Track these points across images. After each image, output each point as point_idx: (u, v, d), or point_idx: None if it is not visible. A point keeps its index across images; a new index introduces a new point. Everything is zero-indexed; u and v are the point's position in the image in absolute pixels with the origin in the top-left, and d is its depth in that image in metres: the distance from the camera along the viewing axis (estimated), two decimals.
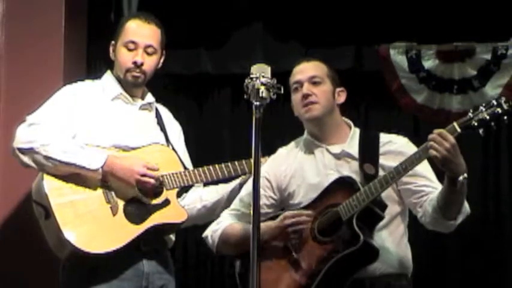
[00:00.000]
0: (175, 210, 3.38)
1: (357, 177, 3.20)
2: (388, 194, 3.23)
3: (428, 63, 4.98)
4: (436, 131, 2.98)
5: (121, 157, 3.34)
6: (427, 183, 3.22)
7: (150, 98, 3.59)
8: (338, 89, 3.39)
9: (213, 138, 5.14)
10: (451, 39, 4.91)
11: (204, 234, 3.44)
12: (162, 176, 3.37)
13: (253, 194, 2.69)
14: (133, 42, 3.45)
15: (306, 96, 3.30)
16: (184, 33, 4.96)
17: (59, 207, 3.24)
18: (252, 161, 3.47)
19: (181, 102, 5.17)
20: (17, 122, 3.40)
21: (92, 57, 4.67)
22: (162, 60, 3.55)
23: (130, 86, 3.51)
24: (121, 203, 3.31)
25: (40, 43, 4.22)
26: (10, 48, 4.23)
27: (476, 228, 4.87)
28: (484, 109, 2.98)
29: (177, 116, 3.75)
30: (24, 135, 3.30)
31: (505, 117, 2.96)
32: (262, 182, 3.33)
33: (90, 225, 3.26)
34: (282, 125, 4.60)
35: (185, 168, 3.49)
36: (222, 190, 3.56)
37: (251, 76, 2.75)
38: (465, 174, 3.00)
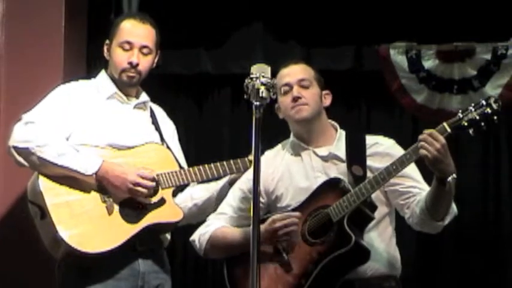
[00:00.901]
0: (171, 209, 3.39)
1: (345, 179, 3.20)
2: (375, 195, 3.23)
3: (428, 63, 4.98)
4: (427, 131, 2.99)
5: (116, 164, 3.33)
6: (414, 184, 3.22)
7: (144, 97, 3.59)
8: (324, 92, 3.41)
9: (213, 138, 5.14)
10: (451, 39, 4.91)
11: (191, 238, 3.43)
12: (158, 175, 3.37)
13: (253, 194, 2.69)
14: (128, 42, 3.45)
15: (296, 99, 3.31)
16: (184, 33, 4.97)
17: (55, 207, 3.24)
18: (247, 159, 3.51)
19: (181, 102, 5.17)
20: (14, 123, 3.40)
21: (92, 57, 4.66)
22: (156, 60, 3.56)
23: (125, 86, 3.51)
24: (116, 203, 3.31)
25: (40, 43, 4.22)
26: (10, 48, 4.23)
27: (476, 228, 4.88)
28: (473, 109, 2.98)
29: (177, 116, 3.75)
30: (21, 135, 3.30)
31: (495, 117, 2.96)
32: (248, 185, 3.31)
33: (86, 225, 3.26)
34: (282, 125, 4.60)
35: (180, 167, 3.49)
36: (212, 188, 3.57)
37: (251, 76, 2.75)
38: (454, 175, 3.01)
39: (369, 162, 3.25)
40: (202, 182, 3.53)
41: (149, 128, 3.56)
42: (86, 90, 3.50)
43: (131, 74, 3.46)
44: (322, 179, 3.26)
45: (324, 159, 3.32)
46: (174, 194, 3.46)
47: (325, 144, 3.35)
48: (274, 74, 2.78)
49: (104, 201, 3.30)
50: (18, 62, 4.22)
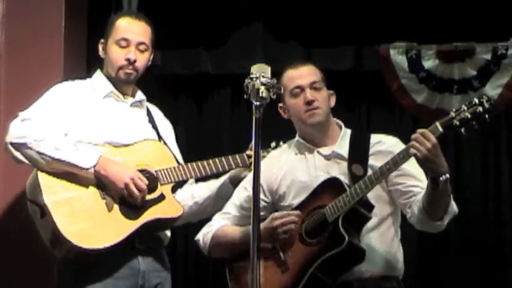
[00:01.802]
0: (170, 205, 3.39)
1: (345, 178, 3.21)
2: (379, 195, 3.24)
3: (428, 63, 4.98)
4: (419, 130, 2.98)
5: (113, 160, 3.33)
6: (415, 183, 3.22)
7: (140, 95, 3.60)
8: (330, 92, 3.41)
9: (213, 138, 5.14)
10: (451, 39, 4.91)
11: (196, 238, 3.46)
12: (156, 171, 3.38)
13: (253, 194, 2.69)
14: (125, 39, 3.46)
15: (310, 102, 3.30)
16: (184, 33, 4.96)
17: (54, 204, 3.25)
18: (246, 154, 3.51)
19: (181, 102, 5.17)
20: (10, 120, 3.41)
21: (92, 57, 4.66)
22: (151, 58, 3.56)
23: (121, 84, 3.52)
24: (116, 199, 3.31)
25: (40, 43, 4.22)
26: (10, 48, 4.23)
27: (476, 228, 4.88)
28: (466, 108, 2.98)
29: (177, 116, 3.76)
30: (18, 130, 3.31)
31: (487, 116, 2.96)
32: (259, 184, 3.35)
33: (86, 221, 3.26)
34: (282, 125, 4.60)
35: (178, 163, 3.50)
36: (212, 186, 3.58)
37: (251, 76, 2.75)
38: (447, 175, 3.00)
39: (371, 161, 3.25)
40: (201, 178, 3.53)
41: (146, 126, 3.56)
42: (82, 90, 3.51)
43: (129, 71, 3.47)
44: (323, 177, 3.26)
45: (327, 158, 3.33)
46: (174, 190, 3.46)
47: (329, 144, 3.36)
48: (274, 74, 2.78)
49: (104, 198, 3.31)
50: (18, 62, 4.22)
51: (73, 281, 3.31)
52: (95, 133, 3.39)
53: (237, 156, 3.50)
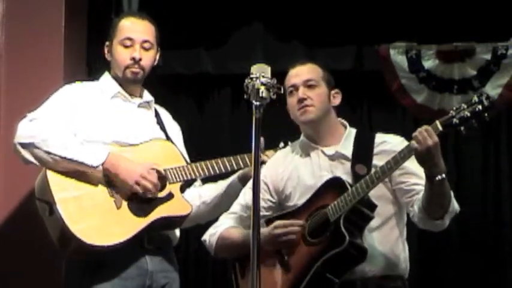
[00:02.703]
0: (179, 203, 3.38)
1: (349, 178, 3.20)
2: (382, 194, 3.23)
3: (428, 63, 4.98)
4: (424, 127, 2.98)
5: (122, 157, 3.34)
6: (418, 181, 3.19)
7: (148, 96, 3.60)
8: (333, 91, 3.40)
9: (213, 138, 5.14)
10: (451, 39, 4.91)
11: (202, 238, 3.45)
12: (165, 170, 3.38)
13: (253, 194, 2.69)
14: (129, 38, 3.46)
15: (301, 100, 3.31)
16: (184, 33, 4.97)
17: (63, 202, 3.24)
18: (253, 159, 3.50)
19: (181, 102, 5.17)
20: (18, 121, 3.41)
21: (92, 57, 4.67)
22: (158, 57, 3.56)
23: (129, 84, 3.51)
24: (125, 197, 3.31)
25: (40, 43, 4.22)
26: (10, 48, 4.23)
27: (476, 228, 4.88)
28: (465, 106, 2.98)
29: (177, 116, 3.75)
30: (25, 130, 3.31)
31: (486, 114, 2.96)
32: (260, 185, 3.35)
33: (95, 219, 3.25)
34: (282, 125, 4.61)
35: (187, 162, 3.50)
36: (220, 186, 3.57)
37: (251, 76, 2.75)
38: (443, 175, 2.99)
39: (375, 161, 3.24)
40: (210, 177, 3.53)
41: (154, 127, 3.56)
42: (90, 91, 3.50)
43: (135, 70, 3.47)
44: (327, 177, 3.26)
45: (331, 158, 3.32)
46: (182, 190, 3.46)
47: (333, 143, 3.35)
48: (274, 74, 2.78)
49: (112, 196, 3.30)
50: (18, 62, 4.22)
51: (81, 279, 3.30)
52: (103, 133, 3.38)
53: (245, 156, 3.50)
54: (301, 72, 3.37)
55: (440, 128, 2.97)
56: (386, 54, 4.99)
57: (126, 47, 3.46)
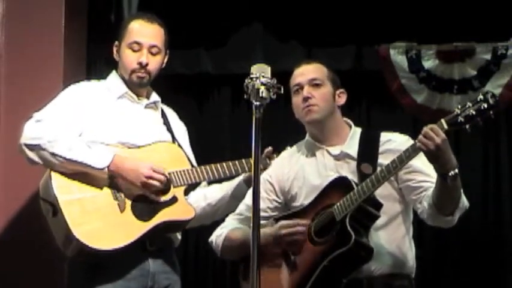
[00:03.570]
0: (182, 207, 3.39)
1: (355, 178, 3.20)
2: (389, 193, 3.23)
3: (428, 63, 4.98)
4: (429, 126, 2.98)
5: (128, 158, 3.34)
6: (425, 178, 3.20)
7: (155, 97, 3.60)
8: (338, 91, 3.39)
9: (213, 138, 5.14)
10: (451, 39, 4.91)
11: (209, 240, 3.45)
12: (170, 174, 3.38)
13: (253, 194, 2.69)
14: (137, 43, 3.46)
15: (306, 99, 3.31)
16: (184, 33, 4.97)
17: (67, 204, 3.25)
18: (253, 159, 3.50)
19: (182, 102, 5.16)
20: (18, 121, 3.41)
21: (92, 58, 4.67)
22: (166, 60, 3.56)
23: (135, 86, 3.52)
24: (128, 200, 3.31)
25: (40, 43, 4.22)
26: (10, 48, 4.23)
27: (476, 228, 4.88)
28: (471, 105, 2.98)
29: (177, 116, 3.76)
30: (32, 132, 3.31)
31: (491, 112, 2.96)
32: (265, 185, 3.38)
33: (98, 222, 3.26)
34: (284, 125, 4.61)
35: (192, 166, 3.50)
36: (226, 187, 3.57)
37: (251, 76, 2.75)
38: (456, 170, 2.99)
39: (381, 159, 3.24)
40: (214, 180, 3.53)
41: (161, 128, 3.56)
42: (96, 90, 3.50)
43: (141, 75, 3.47)
44: (333, 177, 3.26)
45: (336, 158, 3.32)
46: (186, 193, 3.46)
47: (338, 143, 3.35)
48: (274, 74, 2.78)
49: (116, 198, 3.30)
50: (18, 62, 4.21)
51: (84, 281, 3.31)
52: (108, 134, 3.39)
53: (250, 160, 3.47)
54: (307, 71, 3.37)
55: (445, 126, 2.97)
56: (386, 54, 4.99)
57: (134, 51, 3.46)
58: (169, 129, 3.57)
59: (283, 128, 4.55)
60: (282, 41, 5.06)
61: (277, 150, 3.55)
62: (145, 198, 3.33)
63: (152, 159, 3.39)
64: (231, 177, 3.55)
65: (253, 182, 2.70)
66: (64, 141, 3.28)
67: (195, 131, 4.98)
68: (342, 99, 3.40)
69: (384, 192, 3.19)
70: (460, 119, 2.97)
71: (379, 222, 3.18)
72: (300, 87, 3.34)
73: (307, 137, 3.42)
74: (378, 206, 3.16)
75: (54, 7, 4.24)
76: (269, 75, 2.76)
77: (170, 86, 5.04)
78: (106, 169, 3.28)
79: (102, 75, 3.63)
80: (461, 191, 3.11)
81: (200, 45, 5.12)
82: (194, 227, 3.61)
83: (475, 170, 4.97)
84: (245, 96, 2.76)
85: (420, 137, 2.98)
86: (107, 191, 3.31)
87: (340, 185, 3.19)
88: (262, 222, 3.28)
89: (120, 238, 3.24)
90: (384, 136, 3.35)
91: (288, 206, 3.39)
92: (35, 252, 3.86)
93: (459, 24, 4.86)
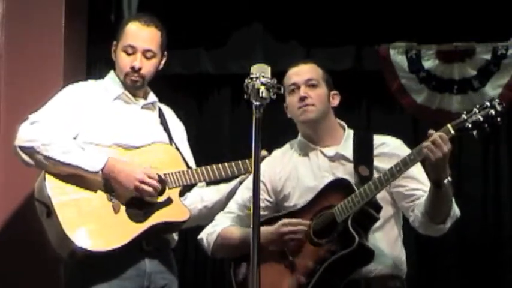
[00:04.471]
0: (177, 209, 3.38)
1: (351, 179, 3.21)
2: (382, 196, 3.23)
3: (428, 63, 4.98)
4: (437, 133, 2.97)
5: (122, 161, 3.33)
6: (418, 186, 3.21)
7: (152, 97, 3.60)
8: (332, 92, 3.40)
9: (213, 138, 5.14)
10: (451, 39, 4.91)
11: (199, 237, 3.44)
12: (165, 175, 3.37)
13: (253, 194, 2.69)
14: (131, 46, 3.46)
15: (302, 98, 3.31)
16: (184, 33, 4.96)
17: (61, 205, 3.25)
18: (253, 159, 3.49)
19: (181, 102, 5.17)
20: (18, 121, 3.41)
21: (92, 58, 4.67)
22: (163, 62, 3.56)
23: (130, 88, 3.52)
24: (123, 202, 3.31)
25: (40, 43, 4.22)
26: (10, 48, 4.23)
27: (475, 230, 4.87)
28: (478, 111, 2.98)
29: (177, 116, 3.75)
30: (26, 134, 3.31)
31: (499, 119, 2.96)
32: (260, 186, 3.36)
33: (92, 223, 3.26)
34: (283, 124, 4.61)
35: (188, 167, 3.49)
36: (223, 190, 3.56)
37: (251, 76, 2.75)
38: (449, 178, 3.01)
39: (376, 162, 3.25)
40: (210, 182, 3.53)
41: (157, 128, 3.56)
42: (93, 91, 3.50)
43: (134, 78, 3.47)
44: (328, 179, 3.26)
45: (331, 159, 3.33)
46: (182, 194, 3.45)
47: (332, 144, 3.35)
48: (274, 74, 2.78)
49: (110, 200, 3.30)
50: (18, 62, 4.22)
51: (80, 280, 3.31)
52: (104, 135, 3.39)
53: (246, 161, 3.48)
54: (303, 71, 3.37)
55: (452, 131, 2.98)
56: (386, 54, 4.99)
57: (128, 54, 3.46)
58: (167, 129, 3.57)
59: (283, 128, 4.56)
60: (282, 41, 5.06)
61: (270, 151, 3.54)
62: (140, 199, 3.33)
63: (148, 161, 3.39)
64: (228, 179, 3.54)
65: (253, 182, 2.70)
66: (58, 145, 3.28)
67: (195, 131, 5.02)
68: (335, 100, 3.41)
69: (378, 195, 3.18)
70: (468, 124, 2.97)
71: (375, 224, 3.19)
72: (296, 86, 3.34)
73: (300, 136, 3.42)
74: (378, 208, 3.17)
75: (54, 7, 4.25)
76: (269, 75, 2.77)
77: (170, 86, 5.05)
78: (100, 172, 3.28)
79: (102, 75, 3.63)
80: (453, 199, 3.12)
81: (200, 45, 5.12)
82: (192, 227, 3.60)
83: (475, 171, 4.97)
84: (245, 96, 2.76)
85: (428, 143, 2.97)
86: (101, 192, 3.31)
87: (339, 187, 3.19)
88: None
89: (114, 240, 3.24)
90: (377, 139, 3.35)
91: (279, 206, 3.38)
92: (33, 252, 3.86)
93: (459, 24, 4.86)
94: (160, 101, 3.69)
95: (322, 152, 3.34)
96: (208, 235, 3.40)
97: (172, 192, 3.38)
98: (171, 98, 4.55)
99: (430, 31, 4.92)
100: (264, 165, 3.43)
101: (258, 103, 2.71)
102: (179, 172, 3.42)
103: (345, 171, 3.27)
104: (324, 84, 3.37)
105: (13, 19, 4.25)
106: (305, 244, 3.20)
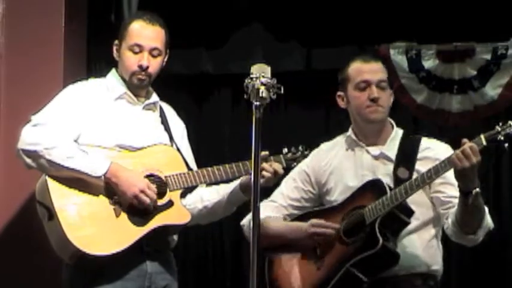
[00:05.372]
0: (178, 212, 3.38)
1: (389, 181, 3.21)
2: (423, 200, 3.24)
3: (428, 63, 4.98)
4: (468, 144, 2.96)
5: (123, 169, 3.32)
6: (456, 193, 3.15)
7: (154, 97, 3.59)
8: (390, 92, 3.41)
9: (213, 138, 5.14)
10: (451, 39, 4.91)
11: (241, 223, 3.48)
12: (166, 177, 3.37)
13: (253, 193, 2.69)
14: (138, 45, 3.44)
15: (375, 100, 3.30)
16: (184, 33, 4.97)
17: (62, 208, 3.24)
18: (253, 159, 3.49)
19: (182, 102, 5.17)
20: (17, 122, 3.40)
21: (92, 58, 4.67)
22: (166, 59, 3.56)
23: (135, 87, 3.51)
24: (124, 205, 3.31)
25: (40, 43, 4.22)
26: (10, 48, 4.23)
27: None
28: None
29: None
30: (29, 137, 3.29)
31: None
32: (302, 175, 3.43)
33: (94, 227, 3.25)
34: (284, 125, 4.61)
35: (189, 168, 3.49)
36: (222, 191, 3.55)
37: (251, 76, 2.75)
38: (477, 189, 3.00)
39: (418, 166, 3.24)
40: (211, 184, 3.53)
41: (158, 129, 3.55)
42: (95, 90, 3.48)
43: (142, 77, 3.46)
44: (368, 177, 3.28)
45: (375, 158, 3.34)
46: (183, 196, 3.45)
47: (379, 143, 3.36)
48: (274, 74, 2.78)
49: (112, 204, 3.29)
50: (18, 62, 4.21)
51: (81, 282, 3.30)
52: (106, 136, 3.37)
53: (247, 163, 3.47)
54: (376, 70, 3.36)
55: (484, 143, 2.97)
56: (386, 54, 4.99)
57: (135, 53, 3.45)
58: (167, 129, 3.56)
59: (283, 128, 4.56)
60: (282, 41, 5.06)
61: (275, 152, 3.54)
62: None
63: (149, 163, 3.38)
64: (228, 181, 3.54)
65: (253, 182, 2.69)
66: (61, 149, 3.26)
67: (195, 131, 5.02)
68: (391, 100, 3.41)
69: (419, 199, 3.20)
70: (500, 137, 2.96)
71: (410, 226, 3.19)
72: (368, 84, 3.32)
73: (350, 131, 3.42)
74: (409, 212, 3.16)
75: (54, 7, 4.24)
76: (269, 75, 2.76)
77: (170, 86, 5.05)
78: (102, 177, 3.28)
79: (102, 75, 3.62)
80: (486, 210, 3.11)
81: (200, 45, 5.13)
82: (192, 226, 3.60)
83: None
84: (245, 96, 2.76)
85: (458, 152, 2.97)
86: (103, 196, 3.29)
87: (373, 188, 3.20)
88: (294, 212, 3.43)
89: (115, 243, 3.23)
90: (424, 142, 3.35)
91: (322, 199, 3.42)
92: (34, 254, 3.85)
93: (459, 24, 4.87)
94: (161, 100, 3.68)
95: (367, 151, 3.35)
96: (250, 221, 3.40)
97: (173, 195, 3.38)
98: (171, 98, 4.55)
99: (430, 31, 4.92)
100: (309, 158, 3.47)
101: (258, 103, 2.71)
102: (180, 174, 3.41)
103: (385, 171, 3.28)
104: (389, 86, 3.38)
105: (13, 19, 4.24)
106: (335, 242, 3.23)
